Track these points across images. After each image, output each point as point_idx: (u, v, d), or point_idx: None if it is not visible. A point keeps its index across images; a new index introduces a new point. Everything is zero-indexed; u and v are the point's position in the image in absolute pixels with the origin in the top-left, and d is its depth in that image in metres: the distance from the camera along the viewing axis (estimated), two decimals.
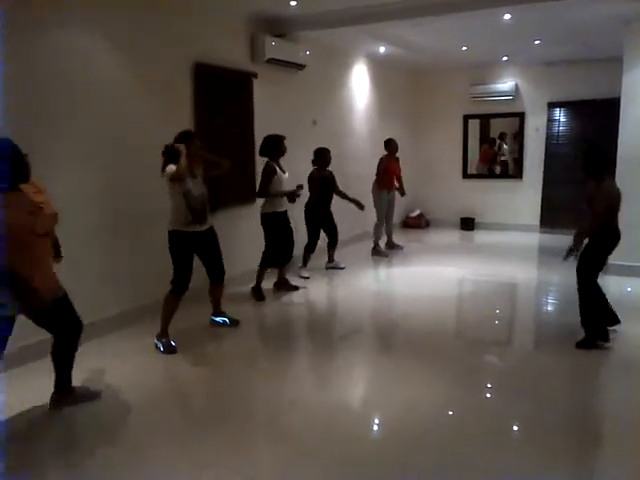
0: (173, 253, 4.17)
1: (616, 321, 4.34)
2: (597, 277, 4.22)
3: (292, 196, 5.50)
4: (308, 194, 6.27)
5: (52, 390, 3.29)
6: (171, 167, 4.02)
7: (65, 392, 3.30)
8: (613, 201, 4.11)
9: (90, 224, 4.32)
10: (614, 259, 5.00)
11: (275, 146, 5.46)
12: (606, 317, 4.29)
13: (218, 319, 4.76)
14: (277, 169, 5.44)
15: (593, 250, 4.17)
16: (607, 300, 4.32)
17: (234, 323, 4.75)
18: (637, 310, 5.09)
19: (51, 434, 3.08)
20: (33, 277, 2.86)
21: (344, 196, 6.68)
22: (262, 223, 5.54)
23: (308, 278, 6.28)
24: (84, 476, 2.69)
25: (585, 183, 4.22)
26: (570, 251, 4.18)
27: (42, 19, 3.86)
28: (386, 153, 7.72)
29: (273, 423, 3.25)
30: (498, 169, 9.91)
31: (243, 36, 5.93)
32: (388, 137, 7.86)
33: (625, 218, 4.33)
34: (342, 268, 6.75)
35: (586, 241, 4.18)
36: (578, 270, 4.23)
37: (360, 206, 6.73)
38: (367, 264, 7.23)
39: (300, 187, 5.62)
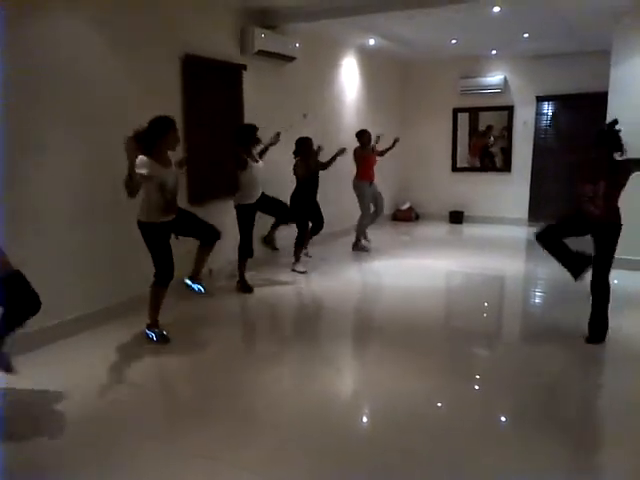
0: (148, 244, 4.07)
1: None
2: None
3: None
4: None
5: None
6: (142, 158, 3.86)
7: None
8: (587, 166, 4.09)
9: (70, 213, 4.27)
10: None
11: (246, 136, 5.32)
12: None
13: (194, 285, 4.62)
14: (248, 159, 5.30)
15: (610, 245, 4.01)
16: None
17: (208, 293, 4.76)
18: (624, 302, 5.12)
19: (33, 423, 3.06)
20: None
21: (329, 162, 6.44)
22: (236, 214, 5.43)
23: (305, 272, 6.20)
24: (70, 470, 2.68)
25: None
26: None
27: (27, 4, 3.80)
28: (359, 145, 7.42)
29: (263, 414, 3.25)
30: (486, 161, 9.93)
31: (232, 28, 5.89)
32: (361, 129, 7.55)
33: None
34: (305, 268, 6.38)
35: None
36: (600, 268, 4.06)
37: (341, 152, 6.46)
38: (355, 257, 7.24)
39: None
